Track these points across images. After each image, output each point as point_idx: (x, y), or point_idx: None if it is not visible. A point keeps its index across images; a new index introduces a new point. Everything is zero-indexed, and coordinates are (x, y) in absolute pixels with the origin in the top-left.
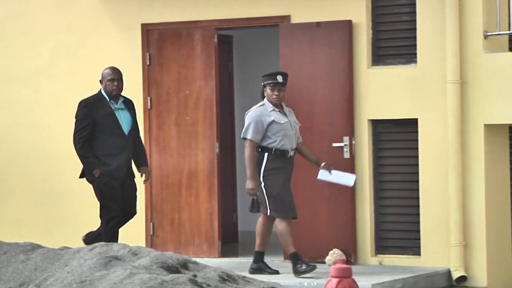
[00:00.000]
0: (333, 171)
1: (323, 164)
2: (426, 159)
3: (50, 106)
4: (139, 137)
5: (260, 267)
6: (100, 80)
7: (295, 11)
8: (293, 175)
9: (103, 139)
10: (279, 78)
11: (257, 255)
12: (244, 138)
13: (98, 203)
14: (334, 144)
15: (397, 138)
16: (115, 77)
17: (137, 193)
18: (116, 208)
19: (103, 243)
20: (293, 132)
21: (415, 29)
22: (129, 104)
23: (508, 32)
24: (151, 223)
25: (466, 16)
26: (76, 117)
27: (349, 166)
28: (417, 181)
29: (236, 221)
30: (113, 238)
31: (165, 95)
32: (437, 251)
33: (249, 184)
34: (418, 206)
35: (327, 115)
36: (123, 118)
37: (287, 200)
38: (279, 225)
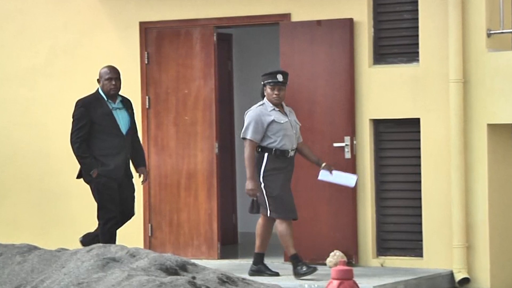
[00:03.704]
0: (334, 172)
1: (324, 164)
2: (428, 159)
3: (47, 106)
4: (137, 137)
5: (260, 269)
6: (98, 79)
7: (296, 9)
8: (293, 176)
9: (100, 139)
10: (279, 77)
11: (257, 257)
12: (244, 138)
13: (95, 204)
14: (335, 144)
15: (399, 138)
16: (112, 76)
17: (135, 193)
18: (114, 209)
19: (100, 244)
20: (294, 132)
21: (417, 27)
22: (127, 104)
23: None
24: (149, 224)
25: (469, 14)
26: (73, 117)
27: (350, 166)
28: (419, 182)
29: (236, 222)
30: (111, 239)
31: (163, 95)
32: (439, 252)
33: (248, 185)
34: (420, 207)
35: (328, 115)
36: (121, 118)
37: (287, 201)
38: (279, 226)
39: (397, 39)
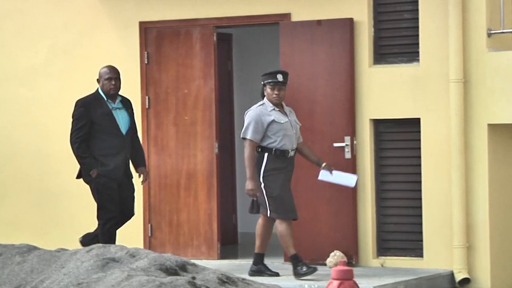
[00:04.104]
0: (334, 172)
1: (324, 164)
2: (429, 159)
3: (46, 106)
4: (137, 137)
5: (260, 269)
6: (98, 79)
7: (296, 9)
8: (293, 176)
9: (100, 139)
10: (279, 77)
11: (257, 257)
12: (244, 138)
13: (95, 204)
14: (335, 144)
15: (399, 138)
16: (112, 76)
17: (135, 193)
18: (113, 209)
19: (100, 244)
20: (294, 132)
21: (417, 27)
22: (126, 104)
23: None
24: (149, 224)
25: (469, 14)
26: (73, 117)
27: (351, 166)
28: (420, 182)
29: (236, 222)
30: (111, 239)
31: (163, 94)
32: (440, 252)
33: (248, 185)
34: (420, 207)
35: (328, 115)
36: (121, 118)
37: (287, 201)
38: (279, 226)
39: (397, 39)
